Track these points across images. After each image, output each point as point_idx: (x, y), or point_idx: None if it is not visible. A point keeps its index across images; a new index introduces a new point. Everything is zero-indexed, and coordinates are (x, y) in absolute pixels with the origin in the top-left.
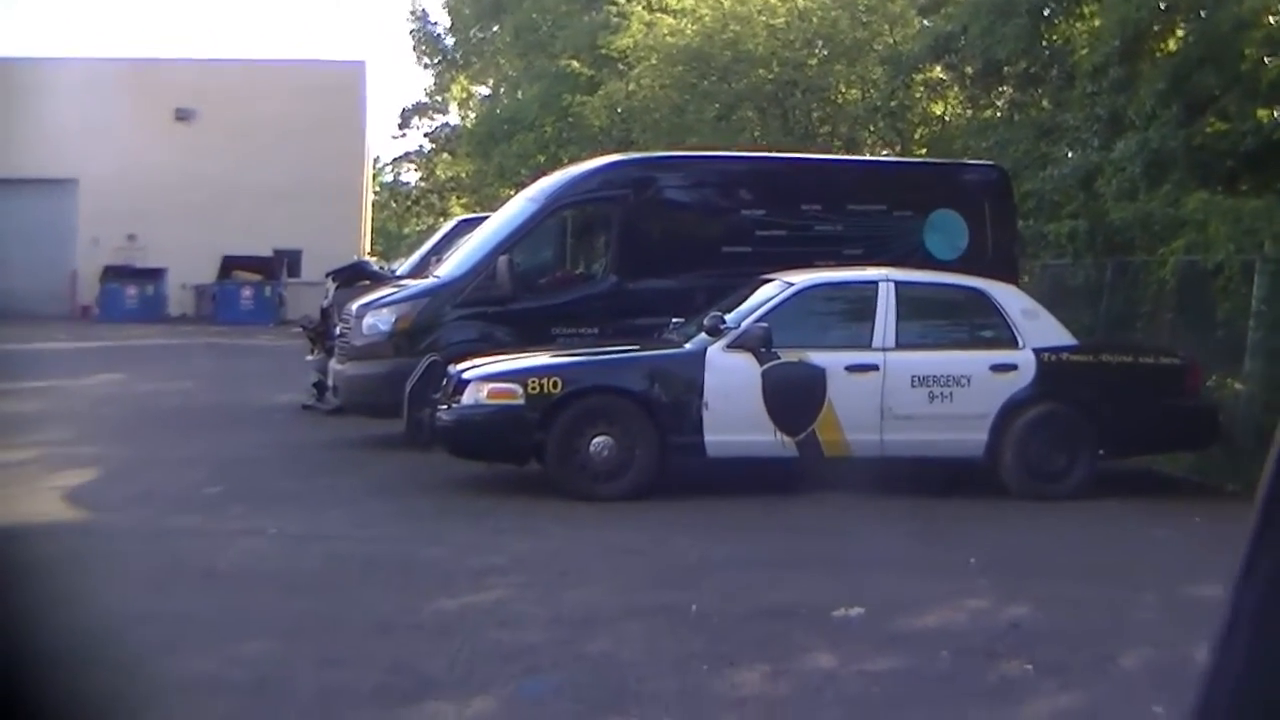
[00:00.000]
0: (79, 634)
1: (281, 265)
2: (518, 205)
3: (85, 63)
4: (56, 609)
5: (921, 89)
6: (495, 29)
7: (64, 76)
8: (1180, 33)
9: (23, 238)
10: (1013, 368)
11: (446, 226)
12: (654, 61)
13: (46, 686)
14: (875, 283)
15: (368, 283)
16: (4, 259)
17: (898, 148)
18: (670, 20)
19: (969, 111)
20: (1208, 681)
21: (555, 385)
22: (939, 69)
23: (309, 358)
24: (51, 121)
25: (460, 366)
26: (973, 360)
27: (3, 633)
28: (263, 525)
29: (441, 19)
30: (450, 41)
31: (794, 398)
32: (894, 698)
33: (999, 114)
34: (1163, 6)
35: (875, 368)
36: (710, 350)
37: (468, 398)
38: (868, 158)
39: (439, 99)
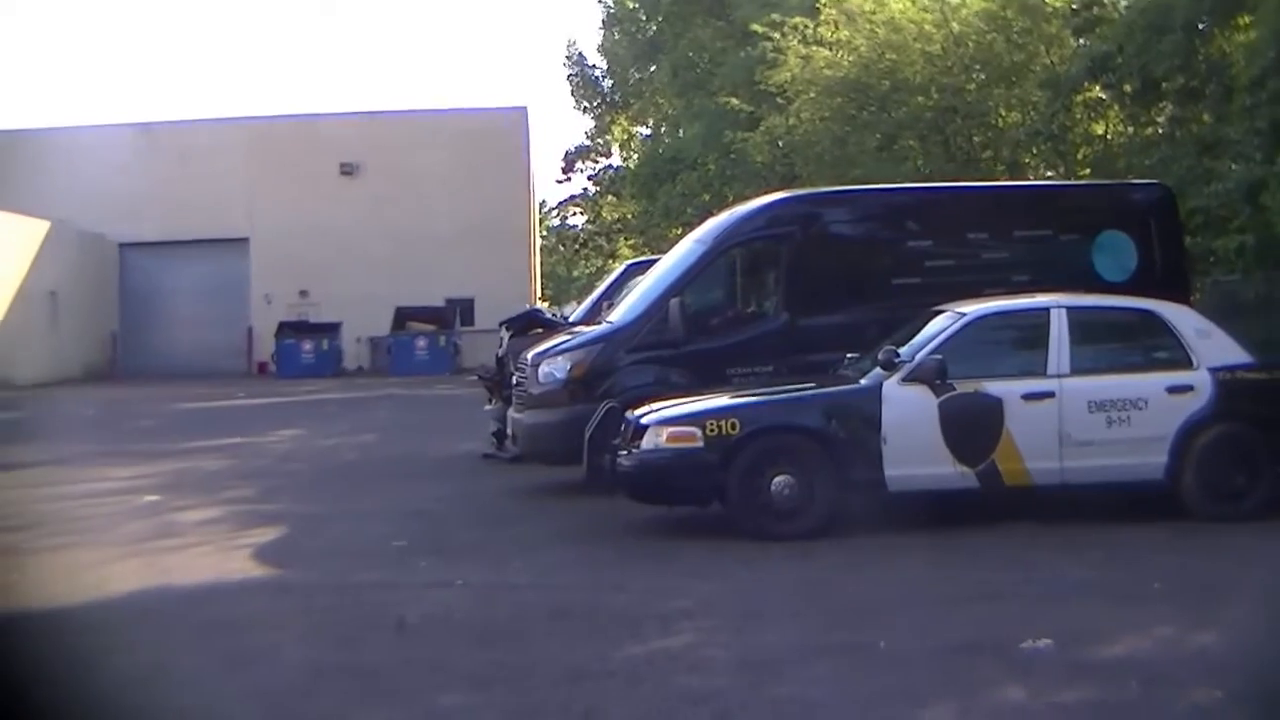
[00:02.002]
0: (275, 688)
1: (454, 314)
2: (686, 247)
3: (250, 122)
4: (252, 665)
5: (1081, 109)
6: (652, 69)
7: (228, 136)
8: None
9: (199, 297)
10: (1189, 388)
11: (616, 271)
12: (812, 94)
13: None
14: (1047, 309)
15: (541, 330)
16: (182, 318)
17: (1061, 170)
18: (826, 52)
19: (1130, 130)
20: None
21: (734, 426)
22: (1098, 88)
23: (487, 407)
24: (221, 182)
25: (638, 411)
26: (1148, 383)
27: (201, 688)
28: (450, 577)
29: (599, 62)
30: (609, 84)
31: (972, 428)
32: None
33: (1160, 131)
34: None
35: (1051, 395)
36: (886, 384)
37: (647, 442)
38: (1032, 182)
39: (601, 141)
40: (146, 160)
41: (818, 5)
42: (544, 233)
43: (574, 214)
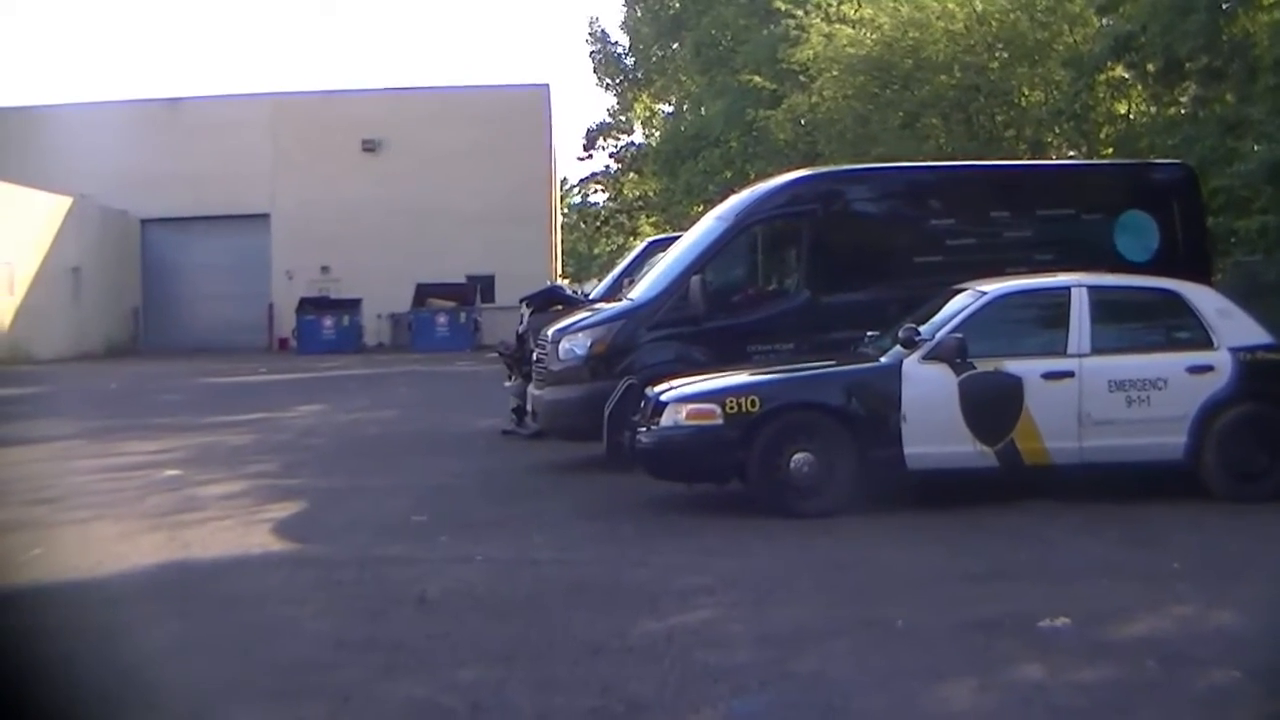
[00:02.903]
0: (296, 661)
1: (475, 291)
2: (707, 224)
3: (270, 98)
4: (273, 638)
5: (1104, 88)
6: (675, 46)
7: (250, 112)
8: None
9: (220, 273)
10: (1209, 369)
11: (637, 248)
12: (835, 73)
13: (266, 713)
14: (1068, 288)
15: (561, 307)
16: (202, 295)
17: (1083, 149)
18: (849, 31)
19: (1153, 109)
20: None
21: (753, 404)
22: (1121, 68)
23: (507, 384)
24: (243, 158)
25: (658, 388)
26: (1169, 362)
27: (233, 659)
28: (470, 552)
29: (621, 39)
30: (631, 61)
31: (991, 407)
32: (1102, 708)
33: (1183, 111)
34: None
35: (1071, 374)
36: (906, 363)
37: (667, 419)
38: (1054, 161)
39: (623, 118)
40: (169, 136)
41: None
42: (565, 210)
43: (595, 191)
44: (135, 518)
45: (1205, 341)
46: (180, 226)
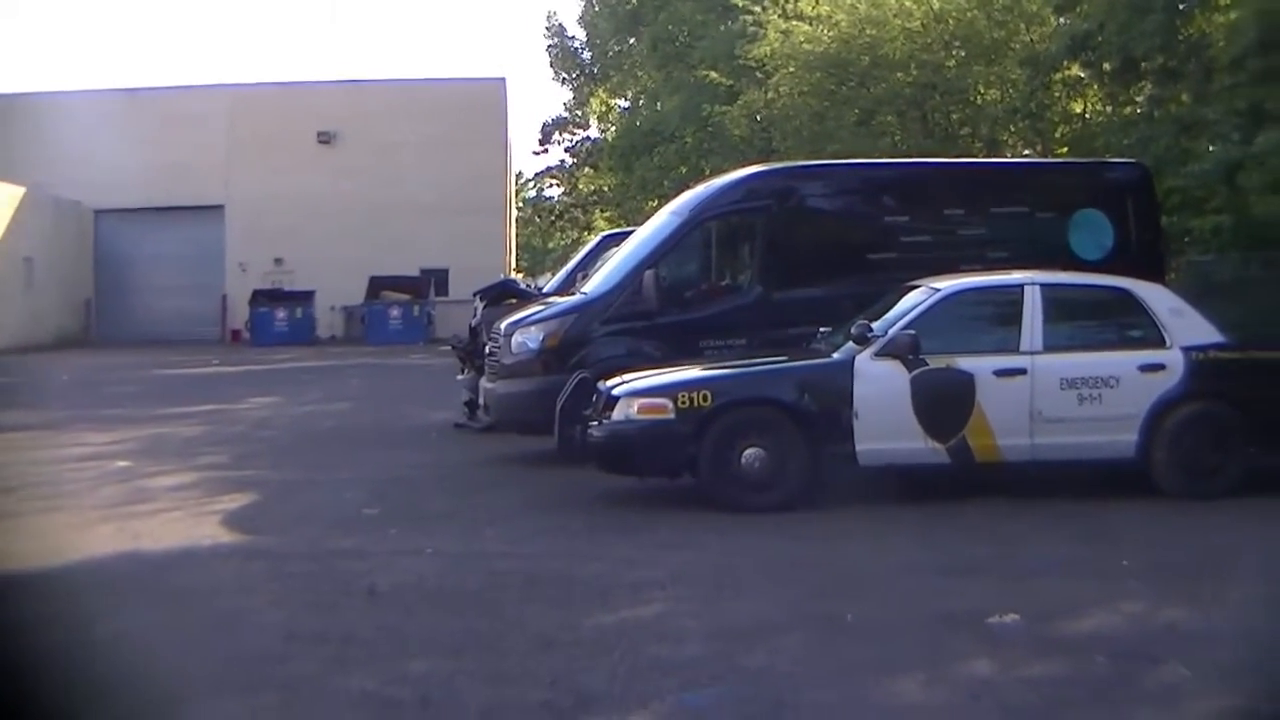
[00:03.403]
0: (246, 654)
1: (429, 284)
2: (662, 219)
3: (226, 89)
4: (223, 630)
5: (1060, 88)
6: (632, 41)
7: (206, 104)
8: None
9: (173, 265)
10: (1161, 367)
11: (591, 242)
12: (792, 69)
13: (216, 706)
14: (1021, 286)
15: (515, 301)
16: (155, 286)
17: (1039, 147)
18: (806, 27)
19: (1109, 109)
20: None
21: (705, 398)
22: (1077, 67)
23: (460, 377)
24: (198, 149)
25: (610, 382)
26: (1121, 361)
27: (181, 652)
28: (421, 545)
29: (579, 34)
30: (588, 55)
31: (943, 404)
32: (1052, 704)
33: (1139, 110)
34: None
35: (1024, 371)
36: (858, 359)
37: (618, 413)
38: (1009, 159)
39: (579, 113)
40: (124, 126)
41: None
42: (520, 204)
43: (551, 185)
44: (86, 509)
45: (1158, 340)
46: (134, 217)
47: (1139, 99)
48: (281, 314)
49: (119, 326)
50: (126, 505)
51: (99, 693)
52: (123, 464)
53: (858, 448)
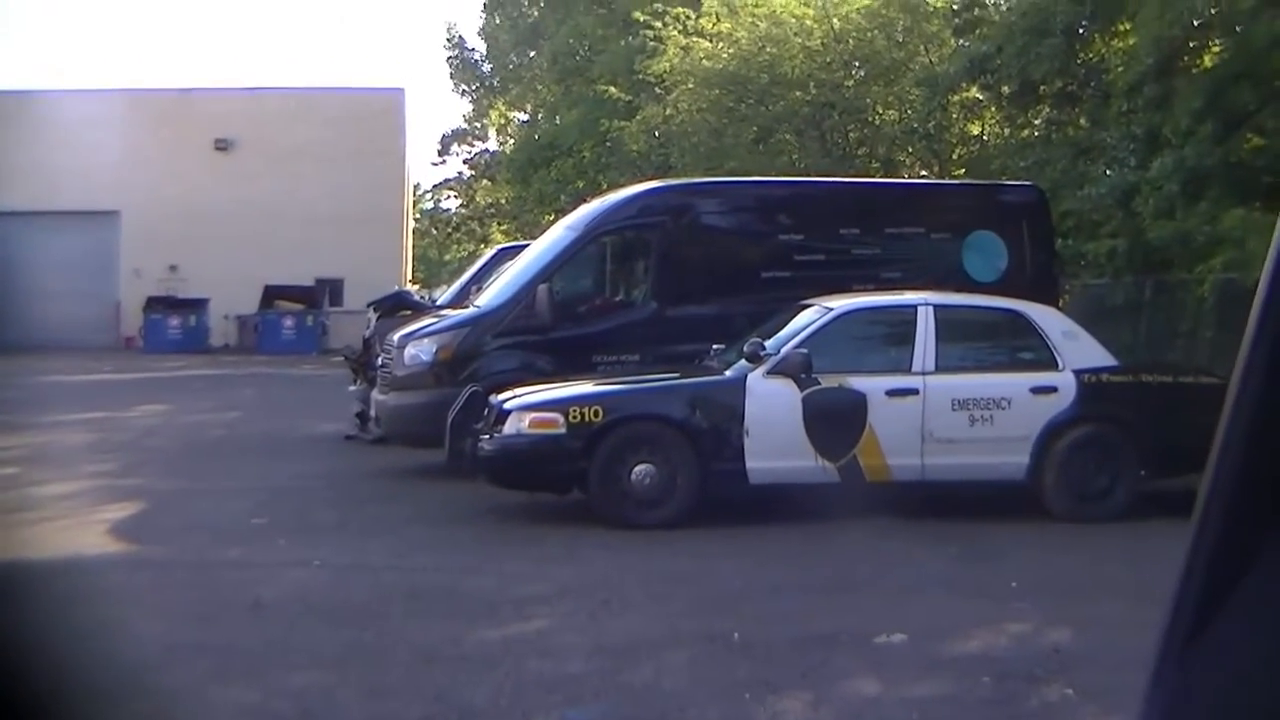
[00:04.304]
0: (125, 665)
1: (324, 294)
2: (557, 233)
3: (123, 94)
4: (103, 640)
5: (958, 109)
6: (532, 55)
7: (103, 108)
8: (1216, 49)
9: (66, 270)
10: (1053, 389)
11: (486, 255)
12: (691, 85)
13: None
14: (914, 306)
15: (409, 312)
16: (48, 291)
17: (935, 169)
18: (706, 44)
19: (1006, 131)
20: (1149, 687)
21: (596, 414)
22: (975, 89)
23: (351, 388)
24: (92, 153)
25: (502, 396)
26: (1013, 383)
27: (51, 664)
28: (308, 556)
29: (479, 45)
30: (488, 68)
31: (835, 423)
32: None
33: (1036, 133)
34: (1197, 24)
35: (915, 391)
36: (750, 377)
37: (509, 427)
38: (905, 180)
39: (478, 125)
40: (16, 129)
41: None
42: (417, 215)
43: (448, 197)
44: None
45: (1050, 362)
46: (26, 221)
47: (1036, 122)
48: (175, 321)
49: (8, 332)
50: (10, 514)
51: None
52: (7, 471)
53: (748, 465)
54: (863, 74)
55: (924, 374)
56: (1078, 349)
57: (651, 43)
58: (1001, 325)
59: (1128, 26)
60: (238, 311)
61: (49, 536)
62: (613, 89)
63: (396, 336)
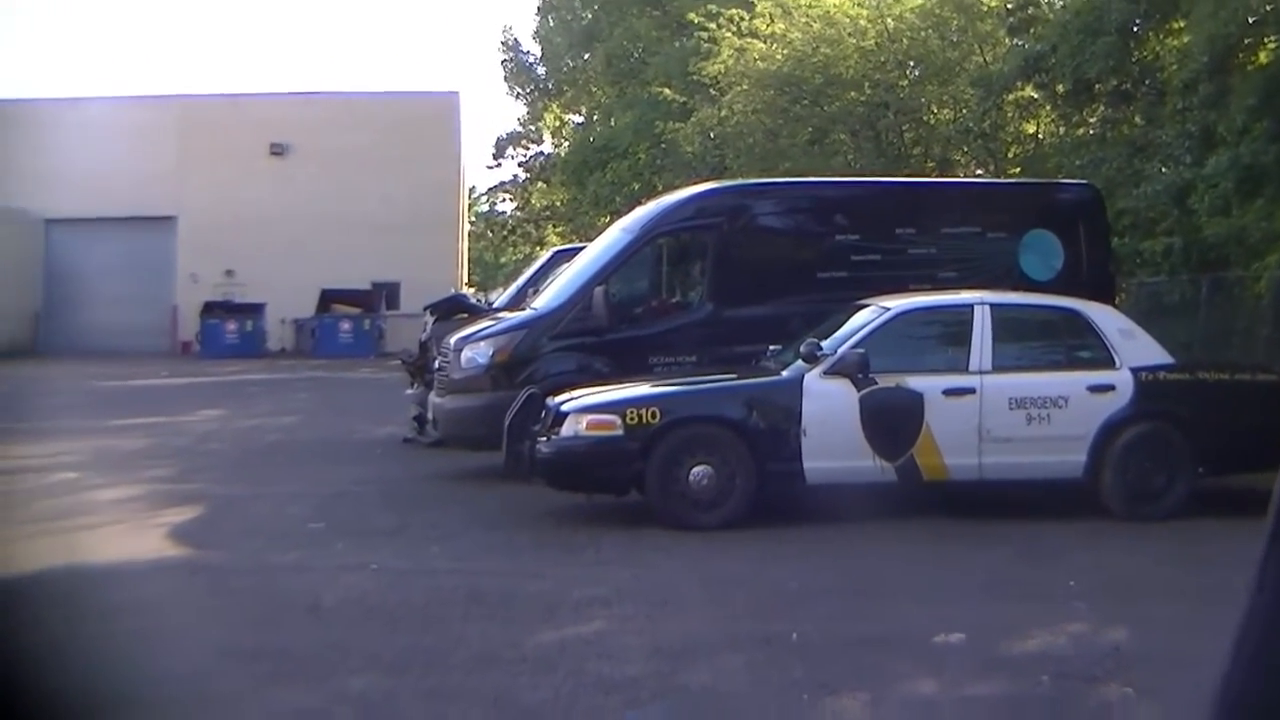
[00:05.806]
0: (187, 670)
1: (380, 298)
2: (613, 235)
3: (181, 100)
4: (164, 645)
5: (1013, 108)
6: (587, 57)
7: (161, 114)
8: (1271, 45)
9: (123, 275)
10: (1110, 388)
11: (543, 258)
12: (745, 87)
13: None
14: (971, 306)
15: (465, 316)
16: (105, 297)
17: (991, 168)
18: (761, 45)
19: (1061, 130)
20: (1220, 691)
21: (654, 415)
22: (1030, 88)
23: (408, 391)
24: (147, 159)
25: (559, 398)
26: (1070, 381)
27: (111, 667)
28: (365, 560)
29: (533, 49)
30: (542, 71)
31: (892, 423)
32: None
33: (1091, 132)
34: (1251, 21)
35: (972, 391)
36: (807, 377)
37: (567, 429)
38: (961, 179)
39: (533, 128)
40: (74, 135)
41: None
42: (472, 218)
43: (503, 200)
44: (25, 521)
45: (1107, 361)
46: (84, 227)
47: (1091, 120)
48: (232, 326)
49: (68, 337)
50: (69, 518)
51: (25, 710)
52: (66, 475)
53: (805, 466)
54: (917, 74)
55: (981, 373)
56: (1135, 347)
57: (706, 44)
58: (1058, 324)
59: (1182, 24)
60: (294, 316)
61: (108, 541)
62: (667, 91)
63: (453, 340)
